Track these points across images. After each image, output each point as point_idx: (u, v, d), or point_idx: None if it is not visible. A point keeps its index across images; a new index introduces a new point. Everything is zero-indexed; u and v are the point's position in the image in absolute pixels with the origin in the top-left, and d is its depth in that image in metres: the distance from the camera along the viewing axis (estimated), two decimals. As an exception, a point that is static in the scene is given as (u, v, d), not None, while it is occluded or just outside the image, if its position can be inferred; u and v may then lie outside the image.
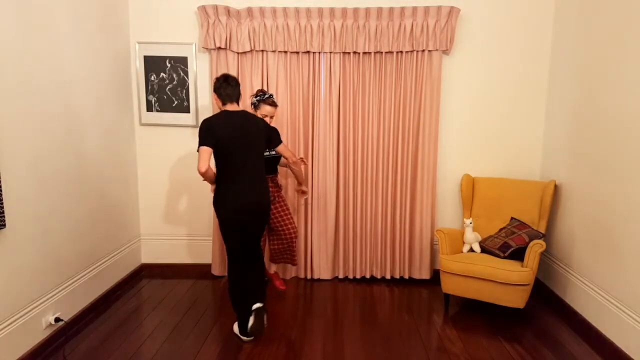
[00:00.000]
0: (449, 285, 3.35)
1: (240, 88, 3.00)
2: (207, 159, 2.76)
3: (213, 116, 2.87)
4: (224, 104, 2.93)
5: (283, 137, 3.84)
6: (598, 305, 2.98)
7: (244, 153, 2.85)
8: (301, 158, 3.54)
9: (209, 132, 2.77)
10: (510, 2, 3.74)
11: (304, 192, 3.69)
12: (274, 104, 3.35)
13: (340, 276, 4.03)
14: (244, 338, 2.96)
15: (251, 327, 2.87)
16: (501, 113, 3.88)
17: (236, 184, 2.86)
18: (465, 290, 3.29)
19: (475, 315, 3.39)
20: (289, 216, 3.60)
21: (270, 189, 3.40)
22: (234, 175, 2.86)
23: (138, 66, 3.90)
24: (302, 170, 3.57)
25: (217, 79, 2.94)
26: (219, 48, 3.75)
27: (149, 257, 4.18)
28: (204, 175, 2.80)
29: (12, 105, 2.49)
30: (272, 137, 3.06)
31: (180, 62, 3.88)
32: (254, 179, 2.91)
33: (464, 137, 3.93)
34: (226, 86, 2.91)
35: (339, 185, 3.91)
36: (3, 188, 2.41)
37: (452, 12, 3.63)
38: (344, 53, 3.77)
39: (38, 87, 2.70)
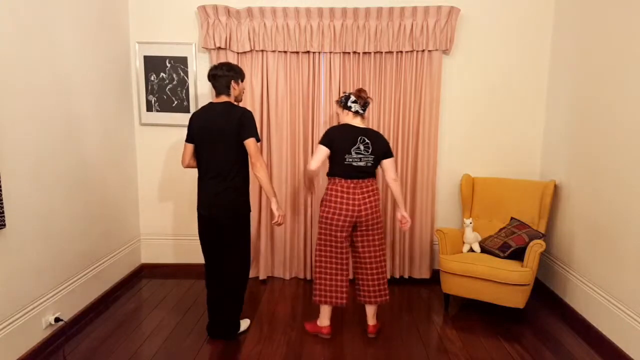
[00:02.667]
0: (449, 285, 3.35)
1: (226, 70, 2.82)
2: (187, 154, 2.91)
3: (198, 110, 2.88)
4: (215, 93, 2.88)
5: (283, 137, 3.84)
6: (598, 305, 2.98)
7: (209, 149, 2.77)
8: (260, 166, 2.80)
9: (189, 128, 2.88)
10: (510, 2, 3.74)
11: (272, 215, 2.97)
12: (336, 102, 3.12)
13: (340, 276, 4.03)
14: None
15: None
16: (501, 113, 3.88)
17: (202, 183, 2.85)
18: (465, 290, 3.29)
19: (475, 315, 3.39)
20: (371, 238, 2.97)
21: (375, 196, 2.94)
22: (201, 173, 2.85)
23: (138, 66, 3.90)
24: (265, 181, 2.83)
25: (210, 70, 2.88)
26: (219, 48, 3.75)
27: (149, 257, 4.18)
28: (189, 167, 2.96)
29: (12, 105, 2.49)
30: (242, 129, 2.73)
31: (180, 62, 3.88)
32: (217, 178, 2.77)
33: (463, 137, 3.93)
34: (213, 80, 2.85)
35: (339, 185, 3.91)
36: (3, 188, 2.41)
37: (452, 12, 3.64)
38: (344, 53, 3.77)
39: (38, 87, 2.70)
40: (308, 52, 3.76)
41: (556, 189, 3.56)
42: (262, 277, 4.00)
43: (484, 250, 3.50)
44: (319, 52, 3.76)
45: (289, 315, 3.35)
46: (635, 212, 2.64)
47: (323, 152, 2.86)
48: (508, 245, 3.35)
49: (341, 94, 3.19)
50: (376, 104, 3.82)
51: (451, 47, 3.72)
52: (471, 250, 3.55)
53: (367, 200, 2.86)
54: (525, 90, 3.84)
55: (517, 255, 3.32)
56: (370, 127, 3.82)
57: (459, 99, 3.88)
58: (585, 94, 3.21)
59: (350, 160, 2.84)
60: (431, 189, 3.88)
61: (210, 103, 2.86)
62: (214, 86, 2.85)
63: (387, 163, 2.95)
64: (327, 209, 2.87)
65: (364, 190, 2.86)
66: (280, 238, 4.00)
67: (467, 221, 3.56)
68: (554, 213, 3.61)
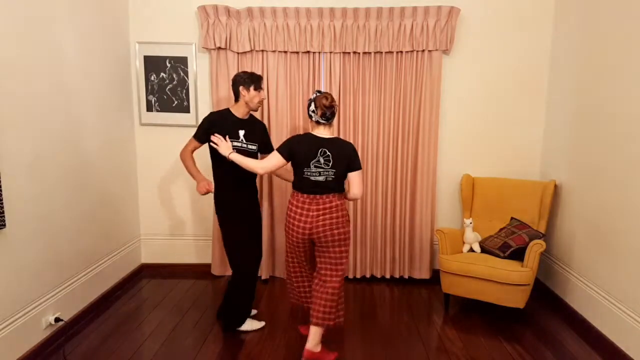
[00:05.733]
0: (449, 285, 3.35)
1: (233, 79, 2.97)
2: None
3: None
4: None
5: (283, 137, 3.84)
6: (598, 305, 2.98)
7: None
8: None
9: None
10: (510, 2, 3.74)
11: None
12: None
13: (340, 276, 4.03)
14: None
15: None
16: (501, 113, 3.88)
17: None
18: (465, 290, 3.29)
19: (475, 315, 3.39)
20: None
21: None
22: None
23: (138, 66, 3.90)
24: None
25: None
26: (219, 48, 3.75)
27: (149, 257, 4.18)
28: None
29: (12, 105, 2.49)
30: None
31: (180, 62, 3.88)
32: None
33: (464, 137, 3.93)
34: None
35: (339, 185, 3.91)
36: (3, 188, 2.41)
37: (452, 12, 3.64)
38: (344, 53, 3.77)
39: (38, 87, 2.70)
40: (308, 52, 3.76)
41: (556, 189, 3.56)
42: (264, 277, 4.00)
43: (484, 250, 3.50)
44: (319, 52, 3.76)
45: (289, 315, 3.35)
46: (635, 212, 2.64)
47: (276, 160, 2.69)
48: (508, 245, 3.35)
49: (312, 94, 2.93)
50: (376, 104, 3.82)
51: (451, 47, 3.72)
52: (471, 250, 3.55)
53: (322, 216, 2.65)
54: (525, 90, 3.84)
55: (517, 255, 3.32)
56: (370, 127, 3.83)
57: (459, 99, 3.88)
58: (586, 94, 3.21)
59: (309, 174, 2.66)
60: (431, 189, 3.87)
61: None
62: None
63: (350, 176, 2.71)
64: (286, 223, 2.78)
65: (320, 207, 2.66)
66: (281, 238, 4.00)
67: (467, 221, 3.55)
68: (554, 213, 3.61)
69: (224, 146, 2.80)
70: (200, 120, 3.93)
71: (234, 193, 2.98)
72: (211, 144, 2.87)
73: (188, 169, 3.00)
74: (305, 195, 2.69)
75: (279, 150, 2.70)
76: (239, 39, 3.72)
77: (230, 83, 2.99)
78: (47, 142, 2.79)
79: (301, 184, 2.70)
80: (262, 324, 3.16)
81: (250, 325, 3.11)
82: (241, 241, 2.97)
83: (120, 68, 3.74)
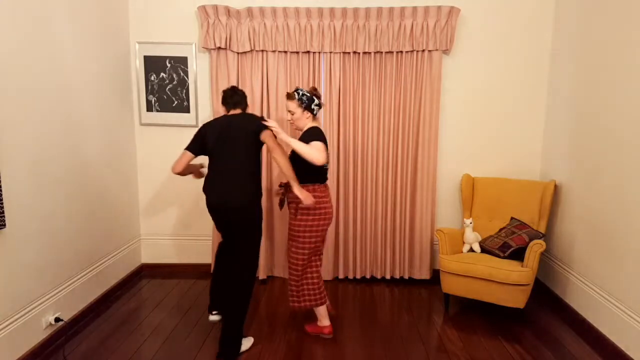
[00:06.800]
0: (449, 285, 3.35)
1: (242, 90, 2.99)
2: (184, 162, 2.85)
3: (212, 120, 2.87)
4: (227, 111, 2.95)
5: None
6: (598, 305, 2.98)
7: (221, 150, 2.74)
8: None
9: (198, 138, 2.86)
10: (510, 3, 3.75)
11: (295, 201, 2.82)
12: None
13: (341, 276, 4.03)
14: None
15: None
16: (501, 113, 3.88)
17: (210, 180, 2.79)
18: (465, 290, 3.29)
19: (475, 315, 3.39)
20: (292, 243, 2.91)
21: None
22: (211, 171, 2.80)
23: (138, 66, 3.90)
24: (285, 165, 2.68)
25: (225, 91, 2.96)
26: (219, 48, 3.75)
27: (149, 257, 4.18)
28: (179, 174, 2.91)
29: (12, 105, 2.49)
30: (260, 126, 2.75)
31: (180, 62, 3.88)
32: (226, 175, 2.73)
33: (464, 137, 3.93)
34: (232, 94, 2.94)
35: (339, 185, 3.91)
36: (3, 188, 2.41)
37: (452, 12, 3.64)
38: (344, 53, 3.77)
39: (38, 87, 2.70)
40: (308, 52, 3.76)
41: (556, 189, 3.56)
42: (262, 276, 4.00)
43: (484, 250, 3.50)
44: (319, 52, 3.76)
45: (288, 316, 3.35)
46: (635, 212, 2.64)
47: (325, 150, 2.72)
48: (508, 245, 3.35)
49: (297, 91, 2.82)
50: (376, 104, 3.82)
51: (451, 47, 3.72)
52: (471, 250, 3.55)
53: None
54: (525, 90, 3.84)
55: (517, 255, 3.32)
56: (370, 127, 3.83)
57: (459, 99, 3.88)
58: (585, 94, 3.22)
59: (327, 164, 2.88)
60: (431, 189, 3.87)
61: (226, 115, 2.89)
62: (233, 100, 2.91)
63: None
64: (326, 215, 2.83)
65: (329, 191, 2.96)
66: (279, 238, 4.00)
67: (467, 221, 3.56)
68: (554, 213, 3.61)
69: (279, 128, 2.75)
70: (200, 121, 3.96)
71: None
72: (270, 128, 2.71)
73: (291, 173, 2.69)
74: (325, 184, 2.91)
75: (321, 140, 2.73)
76: (239, 39, 3.72)
77: (230, 91, 2.92)
78: (47, 142, 2.79)
79: (323, 175, 2.87)
80: (251, 339, 2.94)
81: (247, 344, 2.89)
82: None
83: (120, 68, 3.74)
